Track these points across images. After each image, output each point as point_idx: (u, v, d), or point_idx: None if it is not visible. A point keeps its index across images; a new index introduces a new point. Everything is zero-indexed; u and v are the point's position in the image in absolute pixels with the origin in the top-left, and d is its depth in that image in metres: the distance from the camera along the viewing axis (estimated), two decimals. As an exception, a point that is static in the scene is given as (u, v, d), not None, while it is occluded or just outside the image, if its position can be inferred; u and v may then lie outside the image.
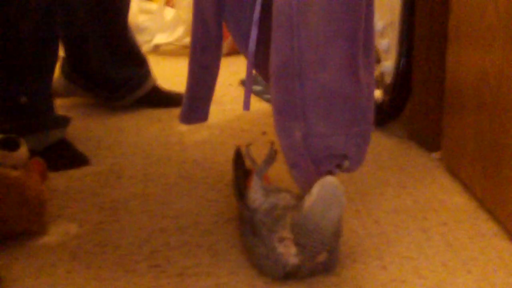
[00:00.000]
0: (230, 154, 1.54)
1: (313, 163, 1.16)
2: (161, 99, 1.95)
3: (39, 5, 1.52)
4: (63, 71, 1.91)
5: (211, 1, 1.24)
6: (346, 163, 1.17)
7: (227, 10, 1.24)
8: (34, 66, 1.57)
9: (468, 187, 1.41)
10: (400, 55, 1.66)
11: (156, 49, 2.51)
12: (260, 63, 1.25)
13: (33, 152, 1.45)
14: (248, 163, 1.26)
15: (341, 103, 1.14)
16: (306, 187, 1.16)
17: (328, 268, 1.16)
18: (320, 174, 1.15)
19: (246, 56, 1.24)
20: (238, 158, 1.29)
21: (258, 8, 1.17)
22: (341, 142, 1.15)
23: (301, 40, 1.09)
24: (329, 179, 1.08)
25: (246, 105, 1.22)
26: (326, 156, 1.15)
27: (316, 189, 1.07)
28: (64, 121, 1.65)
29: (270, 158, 1.21)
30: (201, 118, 1.37)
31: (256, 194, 1.19)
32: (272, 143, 1.20)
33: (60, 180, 1.49)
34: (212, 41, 1.27)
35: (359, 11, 1.09)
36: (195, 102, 1.34)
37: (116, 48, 1.86)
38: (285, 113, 1.13)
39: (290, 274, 1.13)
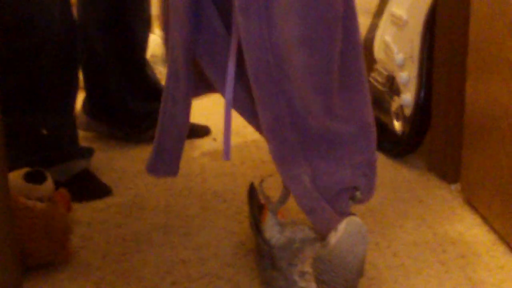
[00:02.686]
0: (251, 186, 1.57)
1: (327, 202, 1.18)
2: (184, 131, 1.97)
3: (60, 33, 1.55)
4: (84, 107, 1.94)
5: (182, 47, 1.16)
6: (358, 194, 1.19)
7: (202, 49, 1.18)
8: (53, 97, 1.59)
9: (486, 220, 1.42)
10: (419, 87, 1.68)
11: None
12: (240, 103, 1.21)
13: (57, 183, 1.48)
14: (261, 198, 1.28)
15: (334, 141, 1.15)
16: (327, 229, 1.17)
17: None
18: (338, 213, 1.17)
19: (223, 95, 1.19)
20: (252, 193, 1.32)
21: (232, 59, 1.14)
22: (348, 175, 1.16)
23: (287, 94, 1.10)
24: (354, 218, 1.11)
25: (226, 154, 1.18)
26: (338, 192, 1.17)
27: (342, 225, 1.09)
28: (88, 152, 1.69)
29: (284, 197, 1.24)
30: (169, 172, 1.28)
31: (272, 232, 1.21)
32: None
33: (84, 211, 1.52)
34: (181, 92, 1.22)
35: (332, 60, 1.09)
36: (163, 153, 1.28)
37: (135, 83, 1.90)
38: (287, 163, 1.14)
39: (310, 307, 1.15)
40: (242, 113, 1.24)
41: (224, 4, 1.15)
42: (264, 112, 1.12)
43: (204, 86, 1.28)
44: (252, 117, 1.20)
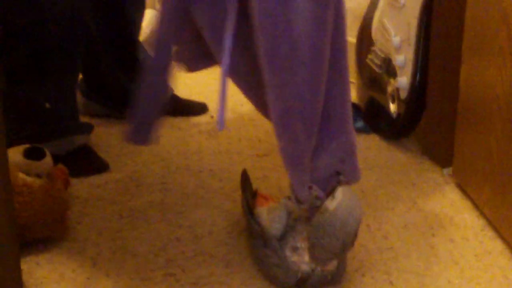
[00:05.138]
0: (247, 164, 1.60)
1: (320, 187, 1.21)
2: (180, 108, 1.99)
3: (65, 13, 1.57)
4: (80, 89, 1.95)
5: (169, 14, 1.18)
6: (342, 178, 1.22)
7: (206, 17, 1.17)
8: (57, 72, 1.62)
9: (476, 205, 1.45)
10: (415, 71, 1.70)
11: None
12: (240, 77, 1.22)
13: (56, 157, 1.51)
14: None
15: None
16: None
17: (335, 278, 1.20)
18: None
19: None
20: (245, 180, 1.36)
21: (231, 24, 1.12)
22: (326, 162, 1.19)
23: (297, 82, 1.10)
24: (347, 187, 1.15)
25: (220, 124, 1.16)
26: (326, 177, 1.20)
27: (339, 192, 1.14)
28: (87, 128, 1.71)
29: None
30: (142, 140, 1.29)
31: (277, 224, 1.24)
32: None
33: (82, 186, 1.55)
34: (161, 61, 1.23)
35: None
36: (141, 123, 1.30)
37: (128, 63, 1.91)
38: (297, 165, 1.16)
39: (301, 282, 1.18)
40: (241, 86, 1.25)
41: None
42: (275, 102, 1.12)
43: (204, 59, 1.30)
44: (250, 91, 1.22)
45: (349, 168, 1.19)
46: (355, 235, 1.15)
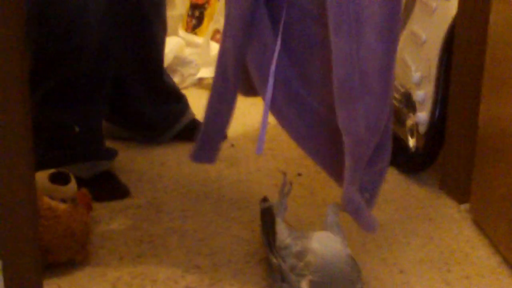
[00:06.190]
0: (266, 194, 1.62)
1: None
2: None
3: (97, 40, 1.61)
4: None
5: (233, 47, 1.27)
6: (366, 195, 1.26)
7: (250, 53, 1.28)
8: (88, 98, 1.67)
9: (493, 242, 1.46)
10: (435, 106, 1.72)
11: (200, 82, 2.59)
12: (277, 108, 1.31)
13: (80, 180, 1.54)
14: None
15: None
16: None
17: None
18: None
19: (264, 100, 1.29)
20: (267, 212, 1.38)
21: (275, 55, 1.24)
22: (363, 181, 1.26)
23: (366, 112, 1.19)
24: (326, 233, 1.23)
25: (259, 148, 1.26)
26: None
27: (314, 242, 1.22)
28: (111, 153, 1.74)
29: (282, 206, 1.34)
30: (208, 159, 1.42)
31: (283, 235, 1.27)
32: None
33: (103, 211, 1.57)
34: (229, 90, 1.32)
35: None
36: (205, 144, 1.40)
37: (152, 87, 1.94)
38: (354, 184, 1.24)
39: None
40: (280, 119, 1.33)
41: (275, 14, 1.24)
42: (346, 132, 1.20)
43: (253, 89, 1.37)
44: (287, 123, 1.31)
45: (373, 191, 1.25)
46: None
